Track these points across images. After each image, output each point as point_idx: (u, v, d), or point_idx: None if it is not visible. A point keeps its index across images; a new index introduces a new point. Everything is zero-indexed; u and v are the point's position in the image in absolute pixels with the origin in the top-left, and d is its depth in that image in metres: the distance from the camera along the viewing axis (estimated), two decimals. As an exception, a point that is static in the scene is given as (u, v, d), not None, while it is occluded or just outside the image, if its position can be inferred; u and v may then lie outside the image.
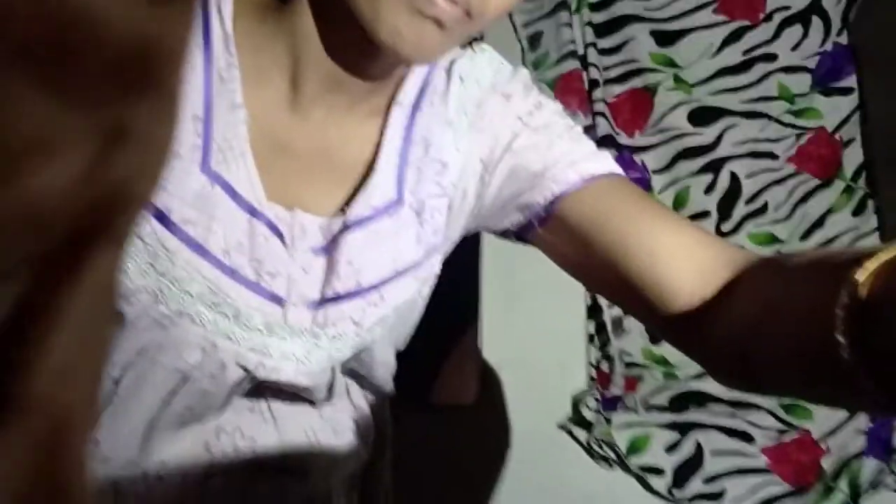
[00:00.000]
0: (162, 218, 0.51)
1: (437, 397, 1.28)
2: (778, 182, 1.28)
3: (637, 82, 1.30)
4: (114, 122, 0.12)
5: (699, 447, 1.21)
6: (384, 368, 0.66)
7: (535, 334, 1.27)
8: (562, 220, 0.57)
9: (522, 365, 1.25)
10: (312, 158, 0.57)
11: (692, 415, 1.22)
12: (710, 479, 1.20)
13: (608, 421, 1.23)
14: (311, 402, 0.61)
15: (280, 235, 0.55)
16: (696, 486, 1.20)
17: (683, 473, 1.21)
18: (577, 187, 0.57)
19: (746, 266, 0.50)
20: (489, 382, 1.25)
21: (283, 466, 0.62)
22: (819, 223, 1.26)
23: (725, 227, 1.29)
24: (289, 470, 0.62)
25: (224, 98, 0.53)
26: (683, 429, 1.22)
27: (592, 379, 1.26)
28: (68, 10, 0.10)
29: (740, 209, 1.30)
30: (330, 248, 0.56)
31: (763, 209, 1.29)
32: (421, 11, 0.47)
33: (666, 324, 0.55)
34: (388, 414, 0.72)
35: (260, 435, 0.61)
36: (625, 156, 1.31)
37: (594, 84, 1.28)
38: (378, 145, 0.58)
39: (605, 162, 0.59)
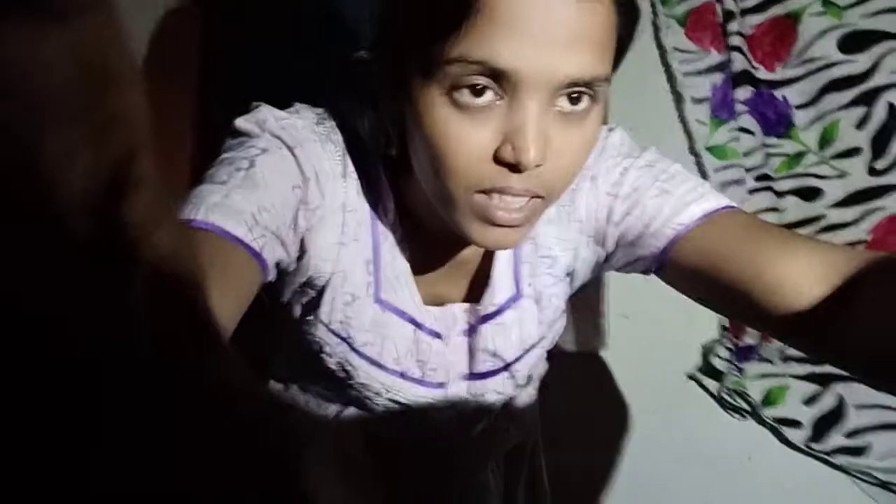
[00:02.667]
0: (347, 342, 0.64)
1: (564, 346, 1.29)
2: (945, 112, 1.15)
3: (778, 10, 1.18)
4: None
5: (841, 400, 1.16)
6: (537, 380, 0.80)
7: (663, 284, 1.24)
8: (674, 267, 0.61)
9: (650, 315, 1.24)
10: (451, 269, 0.67)
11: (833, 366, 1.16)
12: (853, 433, 1.15)
13: (741, 371, 1.20)
14: None
15: (438, 335, 0.67)
16: (836, 439, 1.16)
17: (823, 426, 1.16)
18: (677, 239, 0.59)
19: (862, 267, 0.50)
20: (616, 332, 1.25)
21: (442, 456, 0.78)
22: None
23: (879, 165, 1.18)
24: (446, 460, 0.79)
25: (387, 238, 0.63)
26: (823, 380, 1.16)
27: (724, 328, 1.22)
28: None
29: (898, 145, 1.18)
30: (471, 332, 0.68)
31: (925, 144, 1.16)
32: (492, 222, 0.52)
33: (795, 341, 0.56)
34: (537, 401, 0.86)
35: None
36: (763, 92, 1.22)
37: (729, 16, 1.18)
38: (494, 252, 0.66)
39: (701, 204, 0.60)
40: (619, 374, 1.24)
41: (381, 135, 0.57)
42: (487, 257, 0.67)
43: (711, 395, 1.23)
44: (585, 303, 1.25)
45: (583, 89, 0.50)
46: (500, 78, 0.47)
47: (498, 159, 0.49)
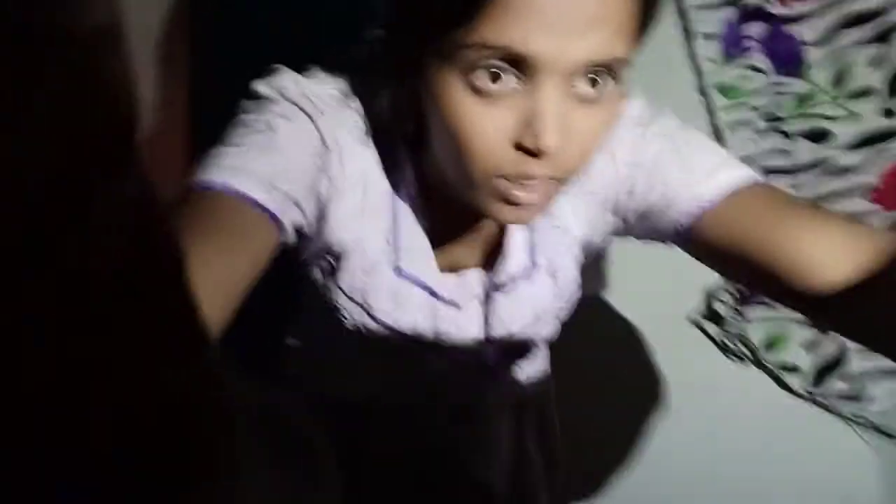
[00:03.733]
0: (365, 309, 0.64)
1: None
2: (964, 51, 1.10)
3: (796, -59, 1.13)
4: None
5: (842, 346, 1.15)
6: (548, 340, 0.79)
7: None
8: (697, 241, 0.59)
9: (651, 256, 1.21)
10: (468, 238, 0.67)
11: (837, 313, 1.15)
12: (852, 379, 1.15)
13: (742, 316, 1.18)
14: None
15: (455, 304, 0.67)
16: (835, 385, 1.15)
17: (823, 372, 1.16)
18: (699, 214, 0.57)
19: (891, 249, 0.49)
20: (617, 274, 1.23)
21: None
22: None
23: (894, 107, 1.14)
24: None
25: (406, 210, 0.62)
26: (825, 327, 1.15)
27: (727, 273, 1.21)
28: None
29: (913, 85, 1.14)
30: (486, 300, 0.68)
31: (942, 84, 1.12)
32: (512, 202, 0.51)
33: (817, 315, 0.56)
34: (547, 355, 0.88)
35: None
36: (777, 28, 1.17)
37: (744, -53, 1.13)
38: None
39: (726, 176, 0.57)
40: (618, 316, 1.22)
41: (399, 113, 0.56)
42: (503, 227, 0.67)
43: (712, 339, 1.21)
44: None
45: (602, 70, 0.48)
46: (517, 63, 0.46)
47: (517, 145, 0.49)
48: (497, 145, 0.49)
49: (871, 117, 1.15)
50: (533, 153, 0.48)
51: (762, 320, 1.18)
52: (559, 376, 1.19)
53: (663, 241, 0.63)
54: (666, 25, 1.18)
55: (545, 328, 0.71)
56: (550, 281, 0.68)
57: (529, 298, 0.67)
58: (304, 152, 0.54)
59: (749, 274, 0.57)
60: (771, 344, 1.18)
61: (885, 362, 1.14)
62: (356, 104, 0.59)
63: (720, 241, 0.57)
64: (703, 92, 1.18)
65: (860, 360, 1.14)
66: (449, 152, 0.52)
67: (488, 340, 0.70)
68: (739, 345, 1.19)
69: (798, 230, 0.53)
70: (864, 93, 1.15)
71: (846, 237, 0.52)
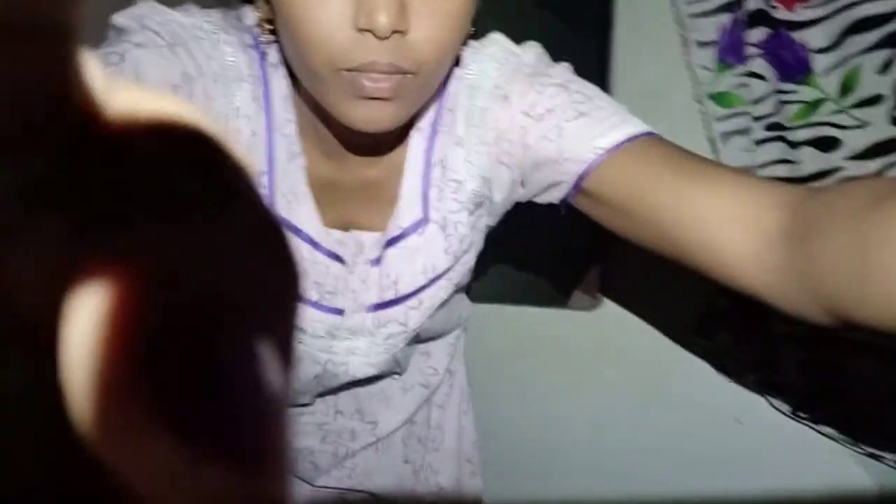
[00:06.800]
0: None
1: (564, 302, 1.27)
2: (979, 56, 1.03)
3: (799, -58, 1.08)
4: None
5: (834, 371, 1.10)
6: (448, 326, 0.77)
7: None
8: (592, 194, 0.58)
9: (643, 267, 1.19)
10: (357, 190, 0.65)
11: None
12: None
13: (734, 335, 1.15)
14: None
15: (339, 259, 0.64)
16: (832, 408, 1.10)
17: (815, 395, 1.11)
18: (596, 164, 0.56)
19: (803, 203, 0.47)
20: (612, 289, 1.21)
21: (357, 418, 0.77)
22: None
23: (903, 115, 1.08)
24: (362, 420, 0.77)
25: (284, 150, 0.59)
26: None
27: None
28: None
29: (925, 91, 1.07)
30: (378, 262, 0.65)
31: (954, 91, 1.05)
32: (361, 95, 0.49)
33: (732, 281, 0.53)
34: (460, 346, 0.85)
35: (340, 398, 0.76)
36: (781, 34, 1.12)
37: (742, -50, 1.08)
38: (402, 171, 0.64)
39: (623, 128, 0.56)
40: (614, 332, 1.21)
41: (261, 26, 0.55)
42: (395, 179, 0.64)
43: (701, 355, 1.19)
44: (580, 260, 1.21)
45: None
46: None
47: (357, 28, 0.48)
48: (336, 31, 0.48)
49: (880, 126, 1.09)
50: (374, 36, 0.47)
51: (754, 339, 1.14)
52: (547, 393, 1.19)
53: (561, 200, 0.62)
54: (668, 34, 1.16)
55: (438, 292, 0.68)
56: (441, 235, 0.65)
57: (421, 254, 0.65)
58: (159, 83, 0.50)
59: (641, 229, 0.56)
60: (763, 362, 1.14)
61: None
62: (232, 37, 0.57)
63: (614, 193, 0.56)
64: (699, 101, 1.15)
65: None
66: (295, 49, 0.51)
67: (378, 305, 0.66)
68: (729, 361, 1.16)
69: (693, 183, 0.52)
70: (873, 100, 1.09)
71: (750, 193, 0.50)
